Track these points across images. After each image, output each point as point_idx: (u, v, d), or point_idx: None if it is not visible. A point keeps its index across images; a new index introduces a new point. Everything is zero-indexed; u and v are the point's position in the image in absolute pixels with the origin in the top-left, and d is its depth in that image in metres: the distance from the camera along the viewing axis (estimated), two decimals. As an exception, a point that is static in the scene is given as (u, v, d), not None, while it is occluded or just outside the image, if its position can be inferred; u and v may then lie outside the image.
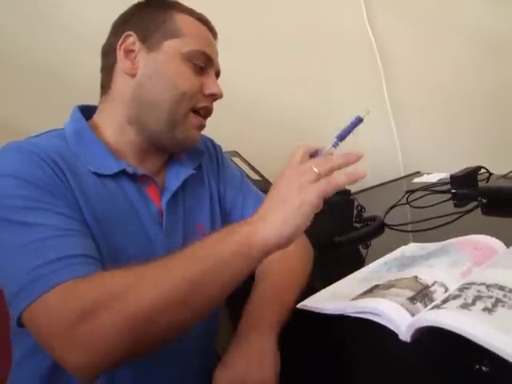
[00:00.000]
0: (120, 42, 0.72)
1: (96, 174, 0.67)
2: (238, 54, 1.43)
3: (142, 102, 0.71)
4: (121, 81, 0.73)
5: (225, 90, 0.76)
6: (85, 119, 0.73)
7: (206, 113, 0.75)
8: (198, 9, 0.77)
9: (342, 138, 0.61)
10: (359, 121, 0.62)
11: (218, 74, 0.78)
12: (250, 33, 1.52)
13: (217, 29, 0.78)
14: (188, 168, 0.78)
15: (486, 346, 0.45)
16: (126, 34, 0.72)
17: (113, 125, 0.73)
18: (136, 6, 0.76)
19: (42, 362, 0.66)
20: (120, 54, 0.72)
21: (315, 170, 0.55)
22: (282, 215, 0.53)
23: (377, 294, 0.59)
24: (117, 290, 0.52)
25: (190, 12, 0.75)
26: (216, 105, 0.77)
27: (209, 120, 0.78)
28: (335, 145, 0.61)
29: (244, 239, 0.53)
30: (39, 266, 0.54)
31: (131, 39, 0.72)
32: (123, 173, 0.70)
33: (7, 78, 1.31)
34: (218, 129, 0.81)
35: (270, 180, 1.09)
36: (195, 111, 0.73)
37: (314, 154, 0.61)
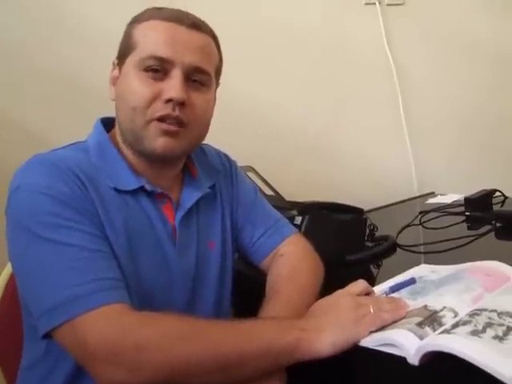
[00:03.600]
0: (110, 72, 0.75)
1: (116, 189, 0.68)
2: (256, 73, 1.45)
3: (118, 123, 0.74)
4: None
5: (243, 107, 0.76)
6: (106, 132, 0.74)
7: (175, 121, 0.68)
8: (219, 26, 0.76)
9: (393, 291, 0.70)
10: (412, 281, 0.72)
11: (198, 71, 0.70)
12: (268, 53, 1.54)
13: (235, 46, 0.75)
14: (203, 187, 0.79)
15: (495, 374, 0.44)
16: (113, 62, 0.74)
17: (121, 142, 0.75)
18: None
19: (53, 367, 0.67)
20: (108, 83, 0.75)
21: (371, 309, 0.61)
22: (335, 336, 0.58)
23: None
24: (171, 336, 0.56)
25: (157, 14, 0.71)
26: (232, 121, 0.77)
27: (225, 135, 0.78)
28: (387, 293, 0.69)
29: (295, 342, 0.58)
30: (78, 285, 0.57)
31: (114, 68, 0.74)
32: (141, 189, 0.71)
33: (26, 86, 1.35)
34: (233, 143, 0.82)
35: (284, 196, 1.09)
36: (159, 120, 0.68)
37: (367, 294, 0.68)
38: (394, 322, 0.60)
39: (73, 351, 0.58)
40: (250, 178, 0.97)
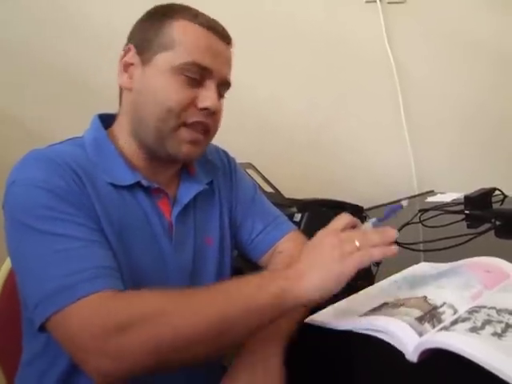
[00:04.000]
0: (121, 55, 0.73)
1: (112, 184, 0.68)
2: (257, 69, 1.45)
3: (135, 117, 0.72)
4: (124, 93, 0.74)
5: (243, 103, 0.77)
6: (104, 128, 0.74)
7: (203, 128, 0.71)
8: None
9: (381, 220, 0.66)
10: (399, 208, 0.69)
11: (225, 84, 0.74)
12: (269, 47, 1.55)
13: (236, 41, 0.74)
14: (201, 183, 0.79)
15: (493, 371, 0.44)
16: (127, 46, 0.72)
17: (124, 136, 0.74)
18: (145, 15, 0.75)
19: (51, 363, 0.67)
20: (120, 67, 0.72)
21: (357, 243, 0.57)
22: (319, 279, 0.56)
23: (385, 313, 0.59)
24: (154, 313, 0.55)
25: (194, 18, 0.71)
26: (232, 117, 0.77)
27: (224, 132, 0.78)
28: (375, 225, 0.65)
29: (279, 292, 0.56)
30: (68, 275, 0.56)
31: (130, 53, 0.72)
32: (138, 185, 0.71)
33: (28, 85, 1.35)
34: (232, 140, 0.82)
35: (283, 192, 1.09)
36: (189, 125, 0.70)
37: (353, 226, 0.64)
38: (394, 308, 0.59)
39: (62, 343, 0.57)
40: (249, 175, 0.97)
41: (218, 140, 0.90)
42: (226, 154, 0.90)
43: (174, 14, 0.71)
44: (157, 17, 0.72)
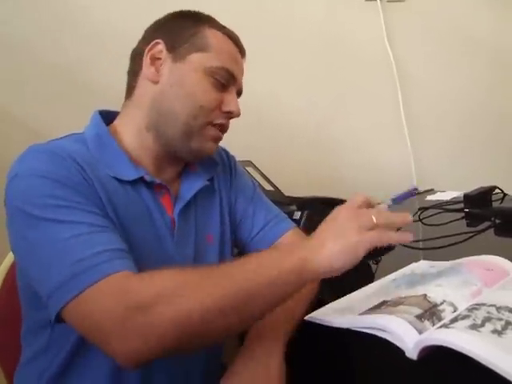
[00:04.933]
0: (148, 49, 0.73)
1: (116, 178, 0.68)
2: (256, 67, 1.45)
3: (160, 109, 0.72)
4: (144, 86, 0.74)
5: (242, 101, 0.77)
6: (104, 124, 0.74)
7: (222, 129, 0.76)
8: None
9: (396, 202, 0.67)
10: (414, 190, 0.69)
11: (239, 93, 0.79)
12: (269, 46, 1.55)
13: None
14: (202, 179, 0.79)
15: (493, 368, 0.44)
16: (155, 41, 0.73)
17: (132, 130, 0.74)
18: (171, 15, 0.78)
19: (51, 362, 0.67)
20: (146, 60, 0.73)
21: (374, 219, 0.58)
22: (338, 248, 0.57)
23: (385, 311, 0.59)
24: (176, 288, 0.54)
25: (221, 28, 0.76)
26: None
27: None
28: (390, 206, 0.66)
29: (300, 262, 0.57)
30: (83, 259, 0.55)
31: (159, 47, 0.73)
32: (141, 180, 0.71)
33: (28, 83, 1.34)
34: (232, 138, 0.82)
35: (283, 190, 1.09)
36: (213, 125, 0.74)
37: (368, 206, 0.64)
38: (393, 307, 0.59)
39: (82, 328, 0.56)
40: (249, 173, 0.97)
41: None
42: (225, 151, 0.90)
43: (205, 21, 0.76)
44: (190, 19, 0.76)
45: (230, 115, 0.75)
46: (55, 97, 1.37)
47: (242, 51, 0.79)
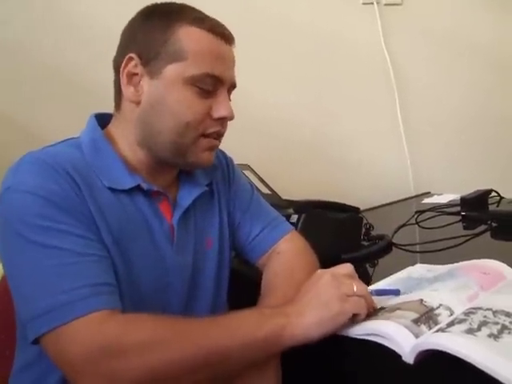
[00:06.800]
0: (123, 66, 0.68)
1: (110, 188, 0.67)
2: (252, 71, 1.45)
3: (146, 130, 0.70)
4: (127, 107, 0.70)
5: (238, 104, 0.76)
6: (100, 128, 0.72)
7: (218, 136, 0.72)
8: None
9: (377, 294, 0.66)
10: (396, 293, 0.67)
11: (233, 87, 0.73)
12: (264, 50, 1.55)
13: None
14: (201, 184, 0.78)
15: (489, 372, 0.44)
16: (128, 56, 0.68)
17: (124, 142, 0.72)
18: (139, 17, 0.71)
19: (44, 374, 0.66)
20: (123, 79, 0.69)
21: (355, 288, 0.59)
22: (318, 317, 0.57)
23: (381, 317, 0.59)
24: (149, 341, 0.55)
25: (200, 22, 0.68)
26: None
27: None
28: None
29: (278, 329, 0.57)
30: (62, 293, 0.55)
31: (133, 62, 0.68)
32: (137, 188, 0.69)
33: (26, 85, 1.34)
34: (230, 142, 0.82)
35: (280, 194, 1.09)
36: (206, 135, 0.70)
37: (351, 278, 0.63)
38: (390, 312, 0.60)
39: (55, 361, 0.57)
40: (246, 177, 0.97)
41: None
42: (223, 153, 0.89)
43: (176, 18, 0.67)
44: (159, 21, 0.68)
45: (223, 121, 0.71)
46: (53, 99, 1.36)
47: (226, 39, 0.70)
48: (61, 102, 1.37)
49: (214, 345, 0.56)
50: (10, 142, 1.27)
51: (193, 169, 0.77)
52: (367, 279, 0.89)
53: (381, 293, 0.67)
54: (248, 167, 1.10)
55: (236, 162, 0.93)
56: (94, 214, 0.63)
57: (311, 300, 0.59)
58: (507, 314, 0.54)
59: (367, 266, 0.99)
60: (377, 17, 1.70)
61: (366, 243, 1.10)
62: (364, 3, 1.70)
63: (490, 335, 0.49)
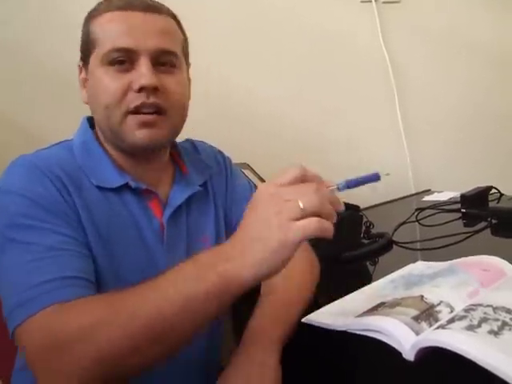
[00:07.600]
0: (78, 75, 0.74)
1: (99, 187, 0.67)
2: (252, 69, 1.45)
3: (97, 124, 0.73)
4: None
5: (239, 103, 0.76)
6: (91, 130, 0.74)
7: (153, 108, 0.67)
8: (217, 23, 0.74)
9: (351, 186, 0.54)
10: (376, 178, 0.55)
11: (165, 54, 0.68)
12: (264, 48, 1.54)
13: (231, 42, 0.75)
14: (194, 184, 0.78)
15: (490, 368, 0.44)
16: (78, 65, 0.74)
17: (103, 140, 0.74)
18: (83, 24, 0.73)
19: None
20: (80, 86, 0.74)
21: (301, 205, 0.47)
22: (260, 255, 0.48)
23: (382, 313, 0.59)
24: (88, 326, 0.51)
25: (108, 5, 0.68)
26: (228, 118, 0.76)
27: (220, 132, 0.78)
28: (341, 189, 0.54)
29: (221, 279, 0.49)
30: (30, 288, 0.55)
31: (81, 70, 0.73)
32: (126, 187, 0.70)
33: (26, 86, 1.34)
34: (229, 140, 0.82)
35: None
36: (135, 112, 0.67)
37: (303, 181, 0.51)
38: (390, 308, 0.59)
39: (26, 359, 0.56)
40: (245, 175, 0.97)
41: (214, 140, 0.90)
42: (220, 153, 0.89)
43: (94, 13, 0.70)
44: (83, 25, 0.72)
45: (146, 90, 0.65)
46: (53, 99, 1.36)
47: (144, 9, 0.67)
48: (60, 103, 1.36)
49: (154, 312, 0.50)
50: (10, 142, 1.27)
51: (143, 151, 0.71)
52: (368, 278, 0.89)
53: (355, 184, 0.55)
54: (247, 166, 1.10)
55: (235, 160, 0.93)
56: (81, 214, 0.63)
57: (249, 233, 0.50)
58: (507, 311, 0.54)
59: (368, 264, 0.99)
60: (375, 15, 1.70)
61: (366, 241, 1.09)
62: (362, 1, 1.69)
63: (491, 332, 0.49)
